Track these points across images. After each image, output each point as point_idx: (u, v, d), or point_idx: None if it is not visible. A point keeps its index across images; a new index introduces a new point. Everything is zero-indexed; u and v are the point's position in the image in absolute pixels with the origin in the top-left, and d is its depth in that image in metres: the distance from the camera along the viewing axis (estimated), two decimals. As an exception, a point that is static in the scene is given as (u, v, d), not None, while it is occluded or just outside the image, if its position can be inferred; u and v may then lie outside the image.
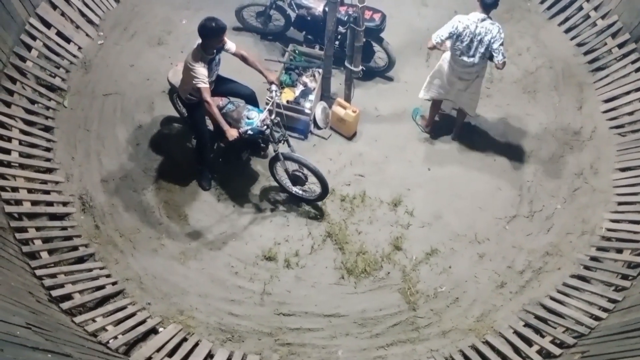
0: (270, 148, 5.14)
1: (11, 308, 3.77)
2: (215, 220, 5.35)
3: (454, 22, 4.90)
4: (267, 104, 5.20)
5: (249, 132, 4.73)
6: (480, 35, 4.85)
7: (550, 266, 5.17)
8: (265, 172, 5.57)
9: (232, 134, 4.64)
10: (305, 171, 5.14)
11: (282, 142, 5.03)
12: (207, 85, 4.55)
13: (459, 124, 5.82)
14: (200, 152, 5.38)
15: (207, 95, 4.54)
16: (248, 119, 4.86)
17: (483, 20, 4.84)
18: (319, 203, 5.39)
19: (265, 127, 4.79)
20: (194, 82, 4.53)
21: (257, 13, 6.39)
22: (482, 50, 4.91)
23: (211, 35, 4.48)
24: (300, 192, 5.40)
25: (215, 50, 4.66)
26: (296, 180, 5.24)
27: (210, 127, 5.39)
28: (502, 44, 4.89)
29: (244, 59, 4.89)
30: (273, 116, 4.84)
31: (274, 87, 4.89)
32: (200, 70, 4.50)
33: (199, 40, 4.54)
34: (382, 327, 4.86)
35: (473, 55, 4.97)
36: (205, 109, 4.72)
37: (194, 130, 5.39)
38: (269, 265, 5.13)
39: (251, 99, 5.25)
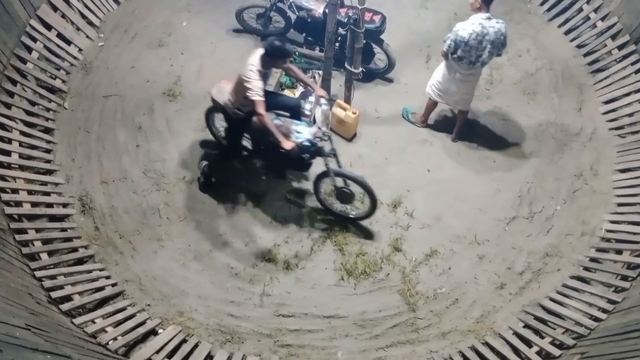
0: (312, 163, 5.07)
1: (11, 309, 3.77)
2: (215, 221, 5.35)
3: (456, 32, 4.89)
4: (305, 116, 5.22)
5: (305, 143, 4.68)
6: (489, 35, 4.85)
7: (550, 267, 5.16)
8: (264, 175, 5.58)
9: (289, 144, 4.56)
10: (352, 188, 5.03)
11: (331, 156, 4.94)
12: (263, 99, 4.48)
13: (459, 126, 5.82)
14: (222, 160, 5.42)
15: (261, 109, 4.47)
16: (297, 132, 4.79)
17: (489, 19, 4.84)
18: (317, 203, 5.38)
19: (318, 139, 4.75)
20: (248, 94, 4.46)
21: (258, 15, 6.40)
22: (490, 48, 4.92)
23: (279, 57, 4.50)
24: (347, 210, 5.29)
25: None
26: (343, 197, 5.14)
27: (248, 144, 5.36)
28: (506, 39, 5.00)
29: (292, 72, 4.93)
30: (325, 129, 4.80)
31: (323, 101, 4.87)
32: (257, 83, 4.46)
33: (258, 53, 4.50)
34: (381, 328, 4.86)
35: (480, 56, 4.97)
36: (247, 126, 4.75)
37: (228, 143, 5.31)
38: (268, 266, 5.13)
39: (296, 111, 5.19)
